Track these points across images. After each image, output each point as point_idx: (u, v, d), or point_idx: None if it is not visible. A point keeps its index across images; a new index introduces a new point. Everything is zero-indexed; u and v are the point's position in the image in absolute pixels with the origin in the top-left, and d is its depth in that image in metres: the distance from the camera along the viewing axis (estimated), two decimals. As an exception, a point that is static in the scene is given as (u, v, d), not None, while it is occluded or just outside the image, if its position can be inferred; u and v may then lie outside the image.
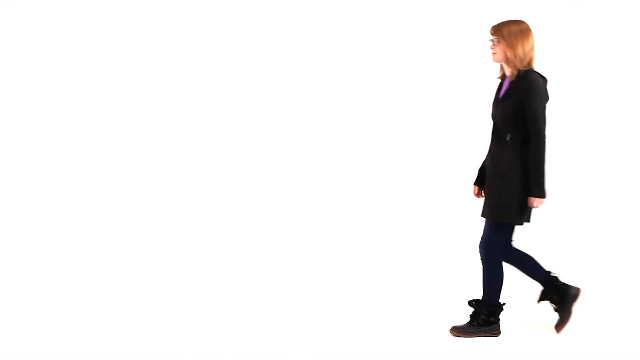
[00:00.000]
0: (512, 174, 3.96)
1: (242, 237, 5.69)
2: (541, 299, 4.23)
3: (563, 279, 4.22)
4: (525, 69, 3.93)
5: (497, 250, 4.11)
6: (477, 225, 5.77)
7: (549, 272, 4.21)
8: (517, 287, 4.96)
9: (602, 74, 5.82)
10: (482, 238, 4.13)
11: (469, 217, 5.78)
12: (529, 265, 4.20)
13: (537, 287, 4.24)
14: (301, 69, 5.87)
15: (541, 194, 3.94)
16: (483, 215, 4.11)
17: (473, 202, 5.88)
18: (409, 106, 5.90)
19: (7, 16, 5.62)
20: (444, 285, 5.07)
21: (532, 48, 3.95)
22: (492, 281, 4.12)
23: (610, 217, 5.75)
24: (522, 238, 5.29)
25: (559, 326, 4.18)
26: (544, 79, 3.98)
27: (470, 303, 4.17)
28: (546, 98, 3.99)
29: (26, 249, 5.47)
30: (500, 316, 4.15)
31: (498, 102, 4.05)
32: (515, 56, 3.91)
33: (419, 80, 5.88)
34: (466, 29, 5.79)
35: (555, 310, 4.20)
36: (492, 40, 3.98)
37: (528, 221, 4.09)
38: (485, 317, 4.11)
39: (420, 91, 5.89)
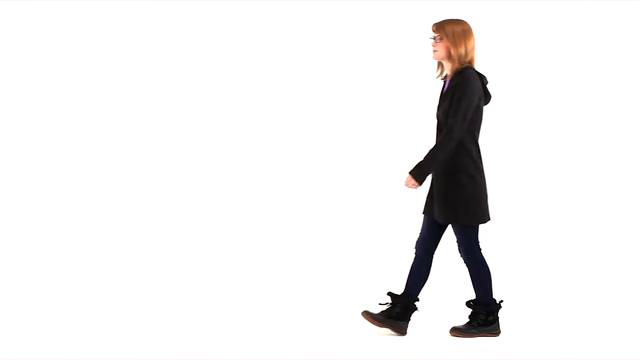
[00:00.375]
0: (456, 172, 3.96)
1: (237, 237, 5.69)
2: (394, 296, 4.18)
3: (415, 312, 4.18)
4: (463, 66, 3.95)
5: (475, 249, 4.11)
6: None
7: (417, 299, 4.18)
8: (514, 287, 4.98)
9: (588, 74, 5.84)
10: (457, 242, 4.13)
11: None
12: (418, 277, 4.17)
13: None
14: (290, 70, 5.85)
15: (418, 179, 3.94)
16: (438, 218, 4.04)
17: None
18: (398, 106, 5.90)
19: (7, 16, 5.62)
20: (443, 285, 5.07)
21: (473, 48, 3.99)
22: (481, 280, 4.12)
23: (606, 217, 5.75)
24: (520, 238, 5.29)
25: (371, 317, 4.13)
26: (482, 78, 4.00)
27: (468, 304, 4.17)
28: (486, 97, 4.03)
29: (26, 249, 5.47)
30: (499, 314, 4.15)
31: (440, 102, 4.07)
32: (457, 54, 3.93)
33: (404, 80, 5.87)
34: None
35: (384, 313, 4.15)
36: (434, 38, 3.99)
37: (489, 219, 4.09)
38: (484, 317, 4.11)
39: (405, 90, 5.89)
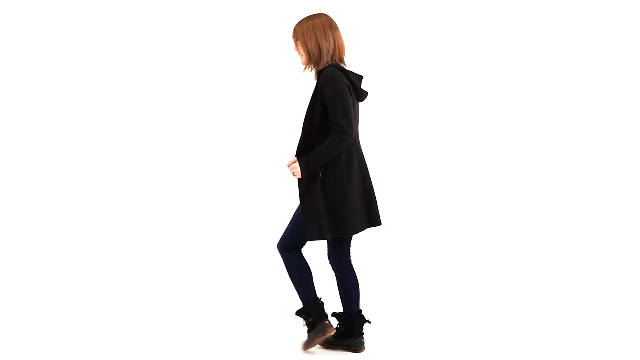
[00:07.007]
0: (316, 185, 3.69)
1: (233, 239, 5.70)
2: (300, 313, 3.89)
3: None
4: (326, 65, 3.65)
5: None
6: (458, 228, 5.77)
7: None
8: (509, 289, 4.98)
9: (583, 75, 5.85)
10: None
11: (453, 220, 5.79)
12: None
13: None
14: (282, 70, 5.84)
15: (304, 168, 3.61)
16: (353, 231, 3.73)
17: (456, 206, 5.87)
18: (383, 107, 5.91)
19: (7, 16, 5.63)
20: (438, 286, 5.08)
21: (332, 42, 3.65)
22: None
23: (604, 217, 5.76)
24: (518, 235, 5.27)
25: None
26: (349, 74, 3.65)
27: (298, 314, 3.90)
28: (359, 95, 3.69)
29: (26, 249, 5.47)
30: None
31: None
32: (311, 52, 3.65)
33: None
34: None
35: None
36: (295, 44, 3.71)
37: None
38: (308, 321, 3.86)
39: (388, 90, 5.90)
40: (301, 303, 3.91)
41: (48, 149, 5.72)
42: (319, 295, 4.00)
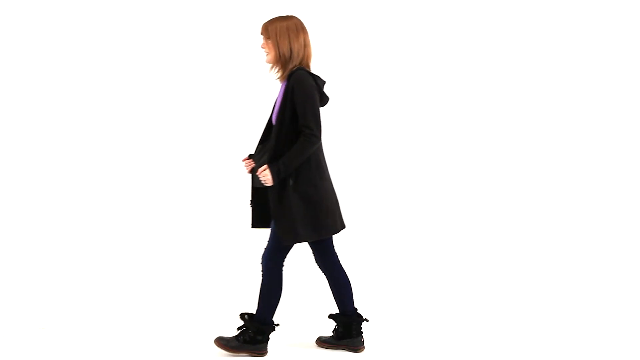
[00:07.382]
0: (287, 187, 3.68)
1: (230, 240, 5.69)
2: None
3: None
4: (295, 67, 3.68)
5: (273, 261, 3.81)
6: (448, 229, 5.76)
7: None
8: (505, 286, 4.98)
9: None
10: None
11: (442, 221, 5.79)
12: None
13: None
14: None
15: (275, 175, 3.60)
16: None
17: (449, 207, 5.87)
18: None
19: (7, 16, 5.63)
20: (435, 287, 5.08)
21: (303, 46, 3.70)
22: (269, 297, 3.80)
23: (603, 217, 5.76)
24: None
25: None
26: (317, 79, 3.70)
27: (242, 317, 3.85)
28: (322, 99, 3.74)
29: (26, 249, 5.47)
30: (269, 337, 3.86)
31: (275, 106, 3.78)
32: (282, 54, 3.68)
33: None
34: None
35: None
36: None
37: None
38: (252, 334, 3.80)
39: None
40: (259, 315, 3.81)
41: (47, 149, 5.71)
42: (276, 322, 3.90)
